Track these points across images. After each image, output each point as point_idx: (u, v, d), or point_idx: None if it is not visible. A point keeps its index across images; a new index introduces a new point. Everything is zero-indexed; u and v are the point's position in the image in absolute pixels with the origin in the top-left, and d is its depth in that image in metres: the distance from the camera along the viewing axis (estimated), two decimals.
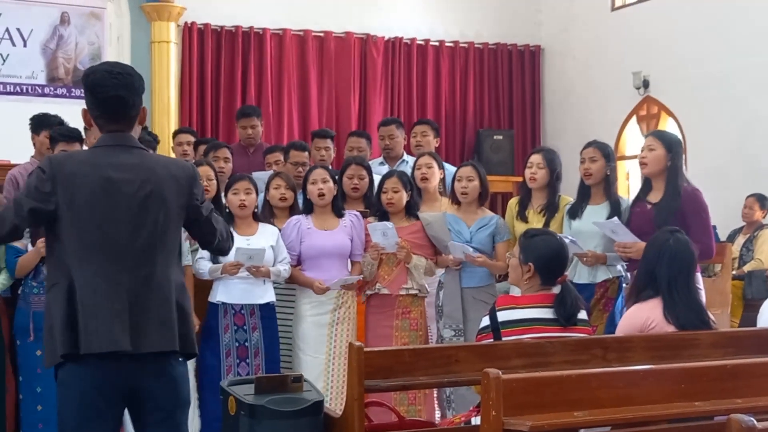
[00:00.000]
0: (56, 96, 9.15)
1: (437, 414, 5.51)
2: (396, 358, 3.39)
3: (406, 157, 7.06)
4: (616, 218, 5.01)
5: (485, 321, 3.85)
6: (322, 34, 10.11)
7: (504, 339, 3.72)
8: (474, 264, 5.35)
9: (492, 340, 3.77)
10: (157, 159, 3.27)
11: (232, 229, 5.20)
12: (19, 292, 4.87)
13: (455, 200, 5.61)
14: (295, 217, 5.49)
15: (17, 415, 4.88)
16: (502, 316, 3.79)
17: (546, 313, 3.78)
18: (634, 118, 10.06)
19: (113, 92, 3.15)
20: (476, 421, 3.53)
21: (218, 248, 3.56)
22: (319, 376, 5.22)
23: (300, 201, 5.71)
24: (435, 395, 5.51)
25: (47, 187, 3.09)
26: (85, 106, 3.26)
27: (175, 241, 3.27)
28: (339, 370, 5.33)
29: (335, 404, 5.13)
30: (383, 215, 5.50)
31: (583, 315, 3.86)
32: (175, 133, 7.42)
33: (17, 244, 4.78)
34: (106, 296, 3.08)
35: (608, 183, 5.29)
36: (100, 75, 3.17)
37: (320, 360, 5.30)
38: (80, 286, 3.09)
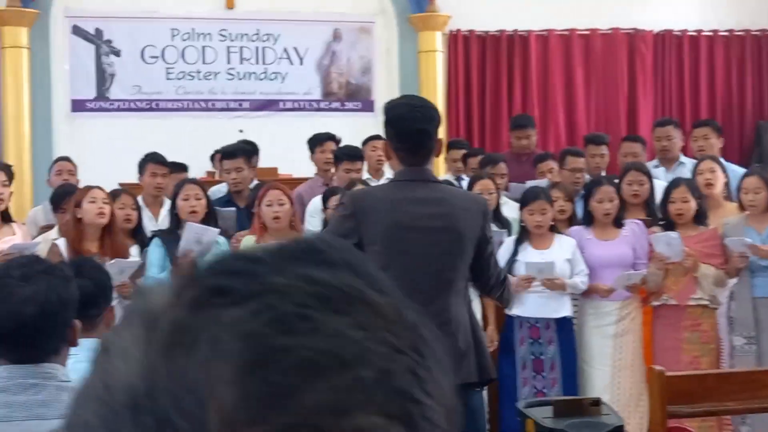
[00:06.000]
0: (330, 110, 9.55)
1: None
2: (699, 383, 3.26)
3: (683, 158, 6.79)
4: None
5: None
6: (587, 33, 9.88)
7: None
8: (760, 255, 5.04)
9: None
10: (452, 192, 3.34)
11: (527, 243, 5.23)
12: None
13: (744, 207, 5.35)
14: (574, 228, 5.41)
15: None
16: None
17: None
18: None
19: (416, 126, 3.23)
20: None
21: (486, 289, 3.59)
22: (604, 388, 5.11)
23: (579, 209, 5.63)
24: None
25: (348, 222, 3.24)
26: (384, 138, 3.38)
27: (466, 273, 3.31)
28: (625, 383, 5.20)
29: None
30: (669, 225, 5.31)
31: None
32: (448, 147, 7.49)
33: None
34: None
35: None
36: (402, 109, 3.26)
37: (605, 372, 5.19)
38: None
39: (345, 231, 3.25)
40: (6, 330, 2.02)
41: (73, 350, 2.21)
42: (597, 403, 3.33)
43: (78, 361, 2.30)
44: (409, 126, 3.22)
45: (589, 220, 5.38)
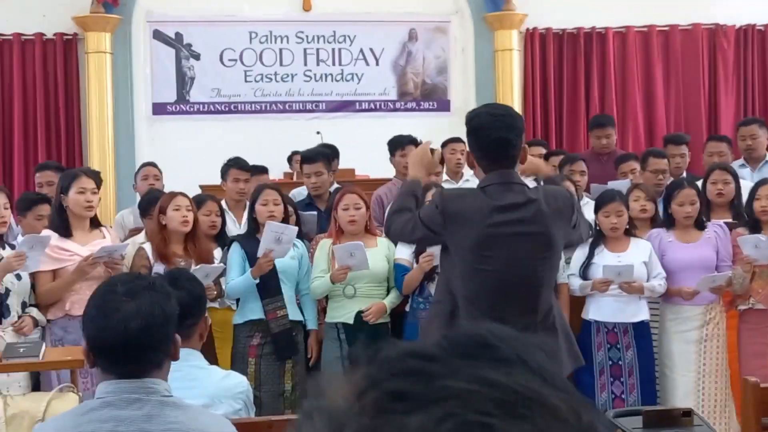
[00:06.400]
0: (406, 110, 9.55)
1: None
2: None
3: None
4: None
5: None
6: (666, 29, 9.70)
7: None
8: None
9: None
10: (538, 193, 3.30)
11: (603, 246, 5.18)
12: (407, 308, 5.10)
13: None
14: (655, 231, 5.33)
15: None
16: None
17: None
18: None
19: (496, 134, 3.22)
20: None
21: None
22: (687, 395, 5.03)
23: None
24: None
25: (438, 219, 3.25)
26: (467, 148, 3.38)
27: (556, 271, 3.30)
28: (710, 389, 5.10)
29: None
30: (755, 225, 5.19)
31: None
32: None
33: (404, 262, 5.02)
34: None
35: None
36: (483, 118, 3.25)
37: (689, 378, 5.11)
38: (463, 317, 3.21)
39: (434, 225, 3.27)
40: (112, 344, 2.07)
41: None
42: (689, 413, 3.26)
43: (174, 370, 2.34)
44: (489, 135, 3.21)
45: (670, 222, 5.29)
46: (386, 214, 3.65)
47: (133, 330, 2.06)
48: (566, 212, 3.27)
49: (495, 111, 3.29)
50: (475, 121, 3.27)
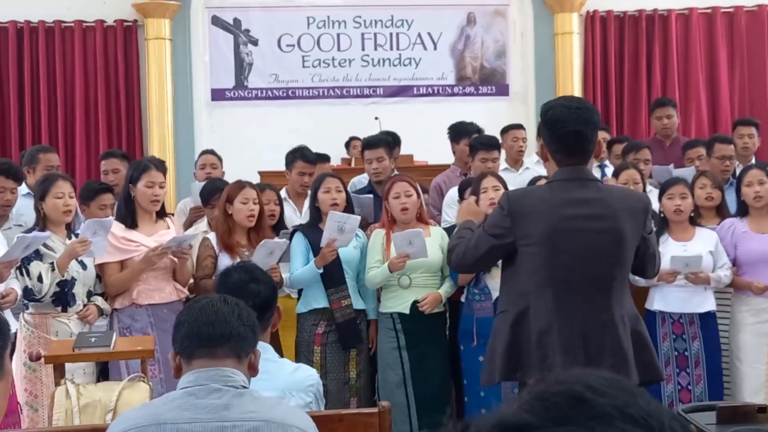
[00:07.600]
0: (464, 95, 9.49)
1: None
2: None
3: None
4: None
5: None
6: (731, 10, 9.50)
7: None
8: None
9: None
10: (611, 191, 3.26)
11: (667, 235, 5.10)
12: (462, 299, 5.06)
13: None
14: (728, 220, 5.21)
15: (462, 417, 5.10)
16: None
17: None
18: None
19: (573, 127, 3.16)
20: None
21: (646, 276, 3.56)
22: (759, 388, 4.94)
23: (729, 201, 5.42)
24: None
25: (506, 222, 3.21)
26: (541, 141, 3.33)
27: (627, 273, 3.25)
28: None
29: None
30: None
31: None
32: None
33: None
34: (560, 330, 3.14)
35: None
36: (558, 110, 3.20)
37: (760, 371, 5.01)
38: (534, 318, 3.18)
39: (501, 231, 3.23)
40: (204, 312, 2.20)
41: None
42: (764, 409, 3.19)
43: None
44: (565, 128, 3.16)
45: (743, 210, 5.17)
46: (447, 249, 3.67)
47: (226, 302, 2.22)
48: (638, 212, 3.21)
49: (571, 104, 3.23)
50: (551, 113, 3.21)
